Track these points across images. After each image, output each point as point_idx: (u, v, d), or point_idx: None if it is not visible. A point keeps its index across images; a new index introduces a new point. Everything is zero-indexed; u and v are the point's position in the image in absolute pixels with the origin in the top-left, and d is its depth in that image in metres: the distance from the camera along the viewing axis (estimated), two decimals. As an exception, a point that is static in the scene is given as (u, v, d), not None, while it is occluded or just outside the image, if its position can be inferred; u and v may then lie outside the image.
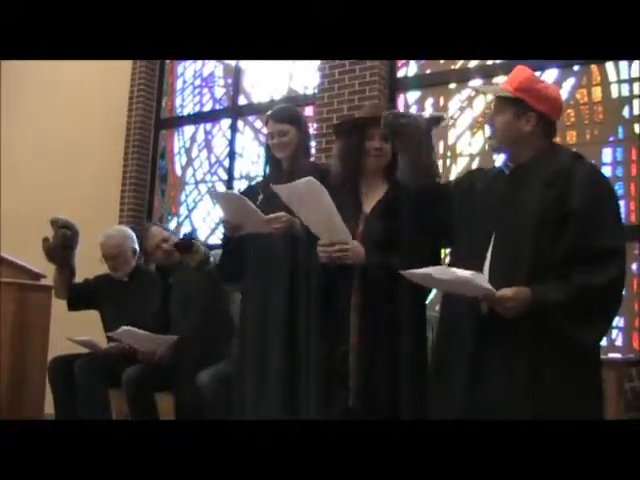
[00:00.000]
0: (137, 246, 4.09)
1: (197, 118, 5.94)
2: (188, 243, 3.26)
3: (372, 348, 2.49)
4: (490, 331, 2.15)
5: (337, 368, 2.51)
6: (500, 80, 3.48)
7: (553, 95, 2.30)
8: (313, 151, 4.02)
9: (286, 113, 2.94)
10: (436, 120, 2.38)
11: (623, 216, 3.84)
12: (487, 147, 2.42)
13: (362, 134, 2.61)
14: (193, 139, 5.92)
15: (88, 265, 4.02)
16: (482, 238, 2.20)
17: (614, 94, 4.10)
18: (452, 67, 4.68)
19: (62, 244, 3.77)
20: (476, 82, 4.52)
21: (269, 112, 3.00)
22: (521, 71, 2.31)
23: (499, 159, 2.48)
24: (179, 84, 6.10)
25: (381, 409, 2.45)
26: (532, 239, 2.13)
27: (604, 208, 2.13)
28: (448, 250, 2.61)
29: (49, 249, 3.78)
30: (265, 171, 3.02)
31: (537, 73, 4.22)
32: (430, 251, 2.47)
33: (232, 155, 5.64)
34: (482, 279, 2.08)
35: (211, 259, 3.21)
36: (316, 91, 5.02)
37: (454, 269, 2.13)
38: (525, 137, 2.25)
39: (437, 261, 2.54)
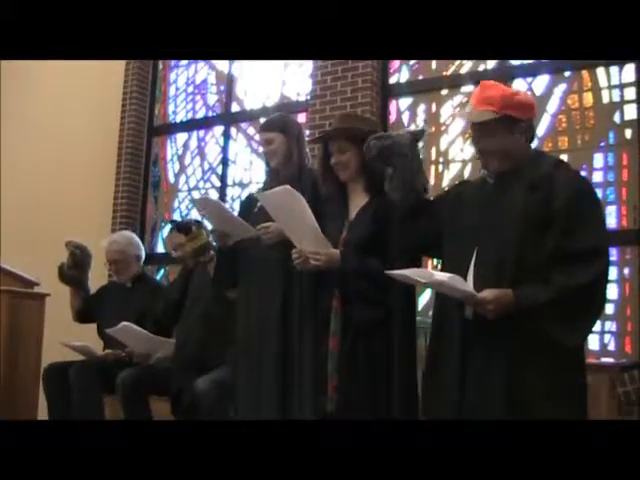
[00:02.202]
0: (142, 252, 4.12)
1: (190, 125, 5.93)
2: (187, 225, 3.25)
3: (350, 353, 2.50)
4: (476, 334, 2.16)
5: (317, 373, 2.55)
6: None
7: (529, 101, 2.34)
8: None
9: (271, 121, 2.99)
10: (419, 134, 2.42)
11: (615, 221, 3.90)
12: (482, 172, 2.41)
13: (325, 149, 2.71)
14: (186, 146, 5.92)
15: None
16: (471, 247, 2.20)
17: (605, 99, 4.12)
18: (444, 73, 4.70)
19: (72, 264, 3.90)
20: (468, 88, 4.54)
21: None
22: (492, 88, 2.29)
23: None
24: (172, 91, 6.10)
25: (358, 416, 2.44)
26: (516, 242, 2.15)
27: (585, 210, 2.15)
28: (438, 261, 2.63)
29: (61, 270, 3.91)
30: (266, 180, 3.04)
31: (529, 79, 4.32)
32: (408, 259, 2.43)
33: (225, 162, 5.64)
34: (461, 282, 2.09)
35: (211, 251, 3.21)
36: (308, 98, 5.03)
37: (432, 271, 2.18)
38: (520, 147, 2.28)
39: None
